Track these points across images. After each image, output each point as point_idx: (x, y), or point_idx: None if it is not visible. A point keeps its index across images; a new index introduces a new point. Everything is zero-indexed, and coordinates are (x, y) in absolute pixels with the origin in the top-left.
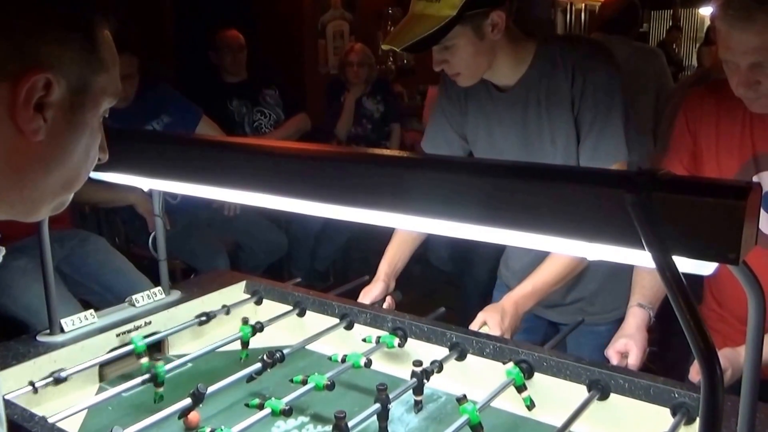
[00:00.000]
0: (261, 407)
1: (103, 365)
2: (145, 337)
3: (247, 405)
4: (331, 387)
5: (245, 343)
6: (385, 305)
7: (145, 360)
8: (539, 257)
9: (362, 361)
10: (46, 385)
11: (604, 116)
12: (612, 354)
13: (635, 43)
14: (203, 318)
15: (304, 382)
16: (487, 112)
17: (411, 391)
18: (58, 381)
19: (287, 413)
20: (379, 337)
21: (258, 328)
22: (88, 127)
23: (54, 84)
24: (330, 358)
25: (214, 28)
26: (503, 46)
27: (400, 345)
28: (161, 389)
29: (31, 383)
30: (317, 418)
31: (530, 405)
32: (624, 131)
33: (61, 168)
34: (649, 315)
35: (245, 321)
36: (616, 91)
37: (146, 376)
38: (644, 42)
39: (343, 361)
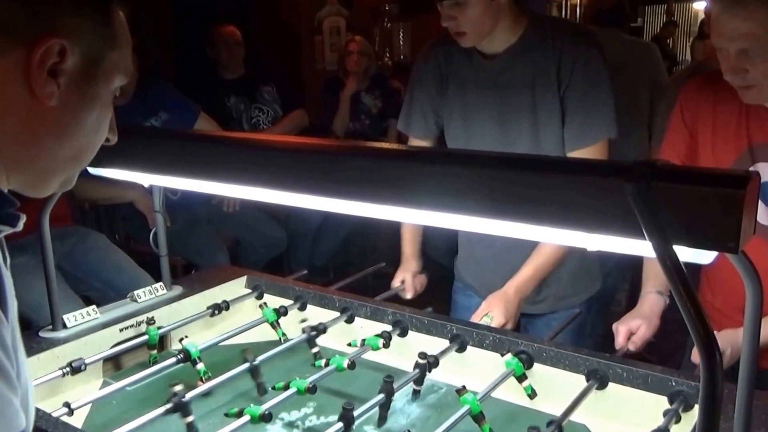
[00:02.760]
0: (240, 415)
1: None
2: (159, 328)
3: (227, 415)
4: (312, 390)
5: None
6: (418, 284)
7: (153, 352)
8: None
9: (345, 363)
10: (56, 378)
11: (594, 94)
12: (623, 330)
13: (630, 37)
14: (215, 310)
15: (286, 388)
16: (466, 85)
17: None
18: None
19: (267, 419)
20: (364, 340)
21: (282, 312)
22: (100, 99)
23: (68, 51)
24: (313, 365)
25: (212, 24)
26: (506, 13)
27: (385, 346)
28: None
29: (67, 404)
30: (320, 410)
31: (531, 393)
32: (614, 109)
33: (73, 138)
34: (665, 302)
35: (263, 305)
36: (604, 72)
37: (151, 369)
38: (639, 36)
39: (327, 364)
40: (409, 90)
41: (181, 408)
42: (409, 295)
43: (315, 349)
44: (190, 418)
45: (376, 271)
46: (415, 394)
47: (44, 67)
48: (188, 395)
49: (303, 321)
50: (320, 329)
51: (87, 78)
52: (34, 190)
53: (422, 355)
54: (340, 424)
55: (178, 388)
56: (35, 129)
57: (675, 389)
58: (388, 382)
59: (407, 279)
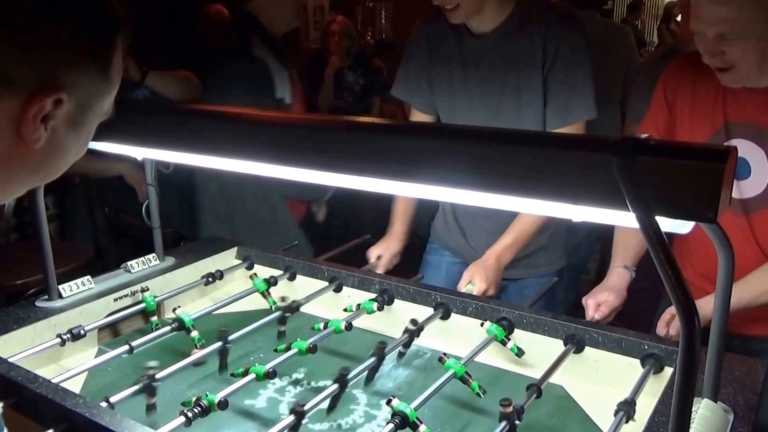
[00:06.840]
0: (245, 374)
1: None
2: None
3: (233, 375)
4: (313, 350)
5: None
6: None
7: (154, 318)
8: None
9: (342, 325)
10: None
11: (577, 76)
12: (591, 303)
13: (607, 20)
14: (209, 279)
15: (288, 349)
16: (453, 63)
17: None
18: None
19: (271, 375)
20: (359, 305)
21: (272, 282)
22: (84, 136)
23: (64, 102)
24: (313, 327)
25: (199, 1)
26: None
27: (379, 309)
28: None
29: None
30: (311, 375)
31: (519, 352)
32: (593, 90)
33: (49, 167)
34: (631, 275)
35: (253, 276)
36: (587, 54)
37: (145, 338)
38: (609, 19)
39: (325, 326)
40: (404, 61)
41: (147, 389)
42: (380, 271)
43: (282, 328)
44: (152, 400)
45: (361, 243)
46: (401, 355)
47: (38, 118)
48: (159, 374)
49: (283, 299)
50: (293, 307)
51: (76, 121)
52: None
53: (414, 321)
54: (336, 386)
55: (153, 363)
56: (12, 165)
57: (647, 352)
58: (381, 347)
59: (385, 257)
